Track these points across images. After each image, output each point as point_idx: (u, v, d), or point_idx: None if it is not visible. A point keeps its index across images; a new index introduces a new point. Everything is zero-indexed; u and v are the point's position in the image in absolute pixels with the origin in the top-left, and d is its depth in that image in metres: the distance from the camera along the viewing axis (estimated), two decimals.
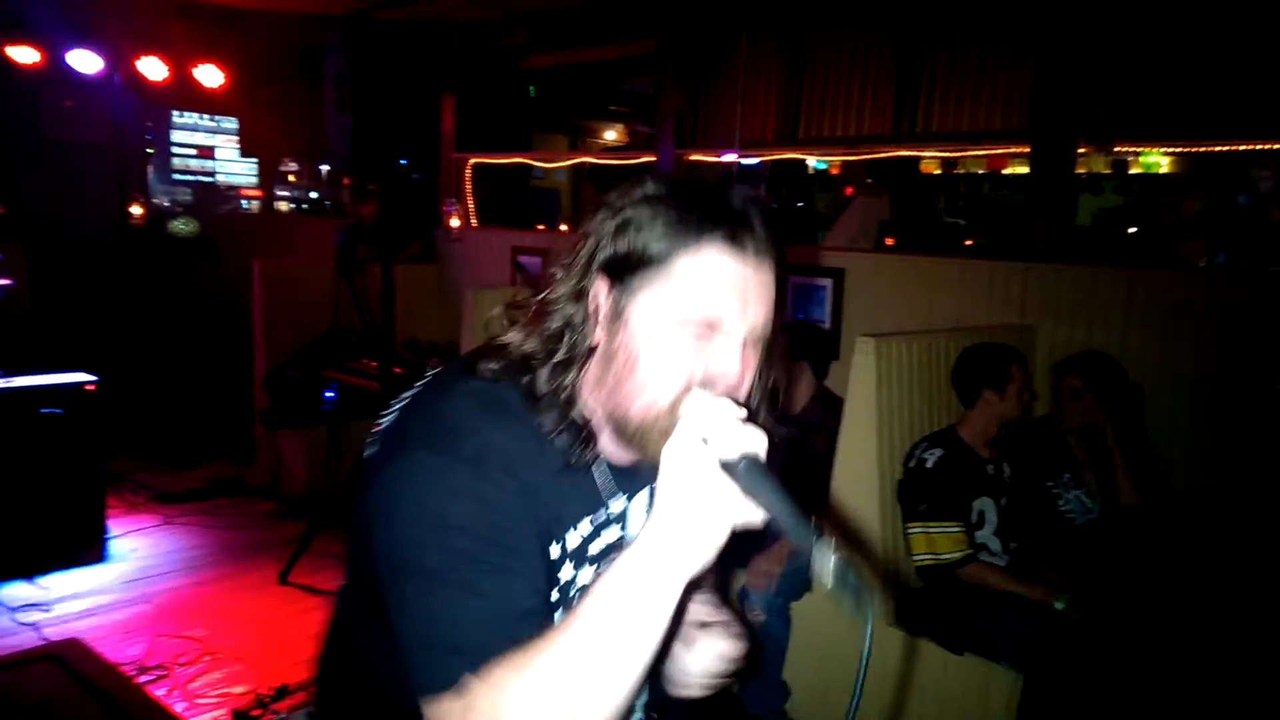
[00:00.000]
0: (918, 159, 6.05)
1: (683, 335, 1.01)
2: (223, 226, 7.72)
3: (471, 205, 5.90)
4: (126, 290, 6.27)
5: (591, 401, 1.08)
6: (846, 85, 4.70)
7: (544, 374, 1.05)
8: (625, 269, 1.04)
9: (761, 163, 7.12)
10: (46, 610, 3.67)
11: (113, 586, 3.98)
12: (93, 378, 4.38)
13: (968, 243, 6.95)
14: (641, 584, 0.87)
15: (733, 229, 1.03)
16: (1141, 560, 2.94)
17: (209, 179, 9.34)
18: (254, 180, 9.40)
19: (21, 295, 5.15)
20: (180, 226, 7.41)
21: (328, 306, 5.00)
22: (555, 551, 1.06)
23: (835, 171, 7.79)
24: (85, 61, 5.87)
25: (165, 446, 5.71)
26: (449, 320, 5.69)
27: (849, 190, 6.70)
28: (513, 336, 1.09)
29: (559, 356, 1.06)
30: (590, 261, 1.07)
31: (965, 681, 2.71)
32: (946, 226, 7.16)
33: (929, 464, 2.82)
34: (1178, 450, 3.33)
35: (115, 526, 4.50)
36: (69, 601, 3.79)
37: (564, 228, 7.77)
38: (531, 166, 7.02)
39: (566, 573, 1.08)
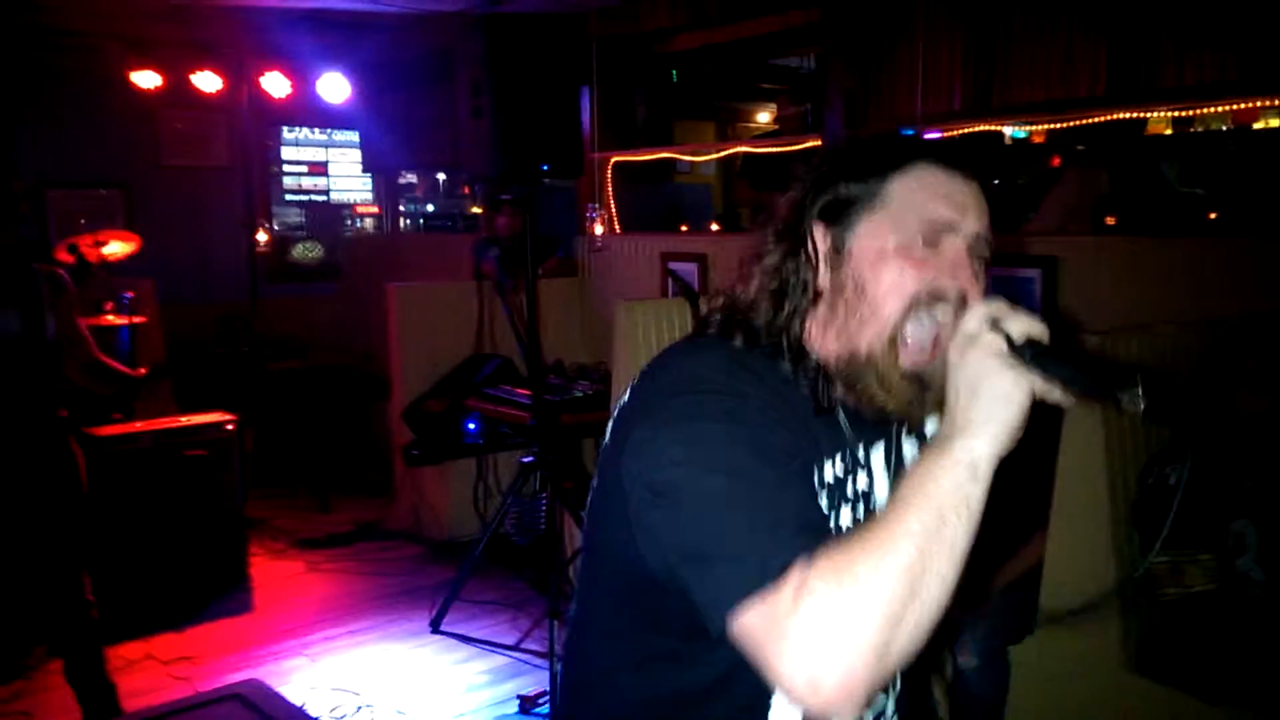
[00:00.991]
0: (1141, 120, 5.91)
1: (908, 252, 1.18)
2: (346, 249, 8.31)
3: (614, 209, 6.16)
4: (255, 322, 6.85)
5: (822, 347, 1.24)
6: (1049, 39, 4.66)
7: (774, 327, 1.23)
8: (839, 208, 1.23)
9: (947, 137, 7.07)
10: (198, 663, 4.10)
11: (263, 637, 4.39)
12: (231, 417, 4.85)
13: (1211, 217, 6.68)
14: (950, 472, 1.00)
15: (937, 151, 1.23)
16: None
17: (323, 197, 9.97)
18: (371, 196, 10.00)
19: (154, 331, 5.74)
20: (304, 252, 8.04)
21: (466, 331, 5.36)
22: (814, 481, 1.20)
23: (1039, 140, 7.64)
24: (207, 82, 6.51)
25: (303, 488, 6.21)
26: (595, 339, 5.96)
27: (1055, 161, 6.58)
28: (736, 298, 1.28)
29: (786, 308, 1.23)
30: (800, 214, 1.25)
31: None
32: (1182, 198, 6.92)
33: (1171, 480, 2.81)
34: None
35: (260, 575, 4.95)
36: (220, 653, 4.22)
37: (716, 227, 7.95)
38: (676, 161, 7.24)
39: (823, 505, 1.22)
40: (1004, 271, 4.30)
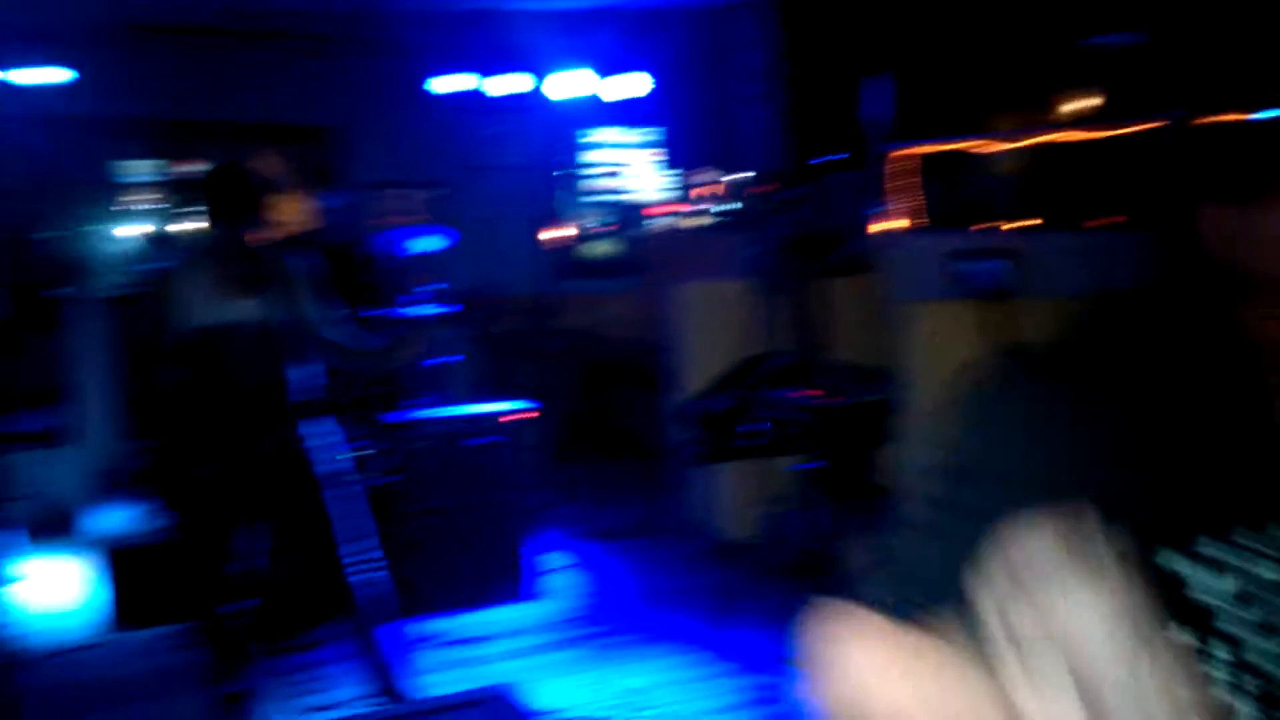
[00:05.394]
0: None
1: None
2: (644, 246, 8.41)
3: (913, 204, 5.81)
4: (548, 317, 7.04)
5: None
6: None
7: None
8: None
9: None
10: (478, 648, 4.22)
11: (542, 627, 4.46)
12: (526, 406, 4.95)
13: None
14: None
15: None
16: None
17: (625, 196, 10.14)
18: (672, 195, 10.07)
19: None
20: (599, 248, 8.21)
21: (755, 329, 5.21)
22: None
23: None
24: (507, 85, 6.74)
25: (588, 480, 6.30)
26: (882, 339, 5.62)
27: None
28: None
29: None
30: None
31: None
32: None
33: None
34: None
35: (546, 563, 5.03)
36: (501, 640, 4.32)
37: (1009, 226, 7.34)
38: (988, 155, 6.75)
39: None
40: None
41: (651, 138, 8.79)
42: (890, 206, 5.59)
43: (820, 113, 4.15)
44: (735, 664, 4.02)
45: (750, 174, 7.29)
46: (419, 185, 7.67)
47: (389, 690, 3.59)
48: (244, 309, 3.32)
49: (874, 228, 5.73)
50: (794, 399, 4.80)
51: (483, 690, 2.08)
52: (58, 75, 5.92)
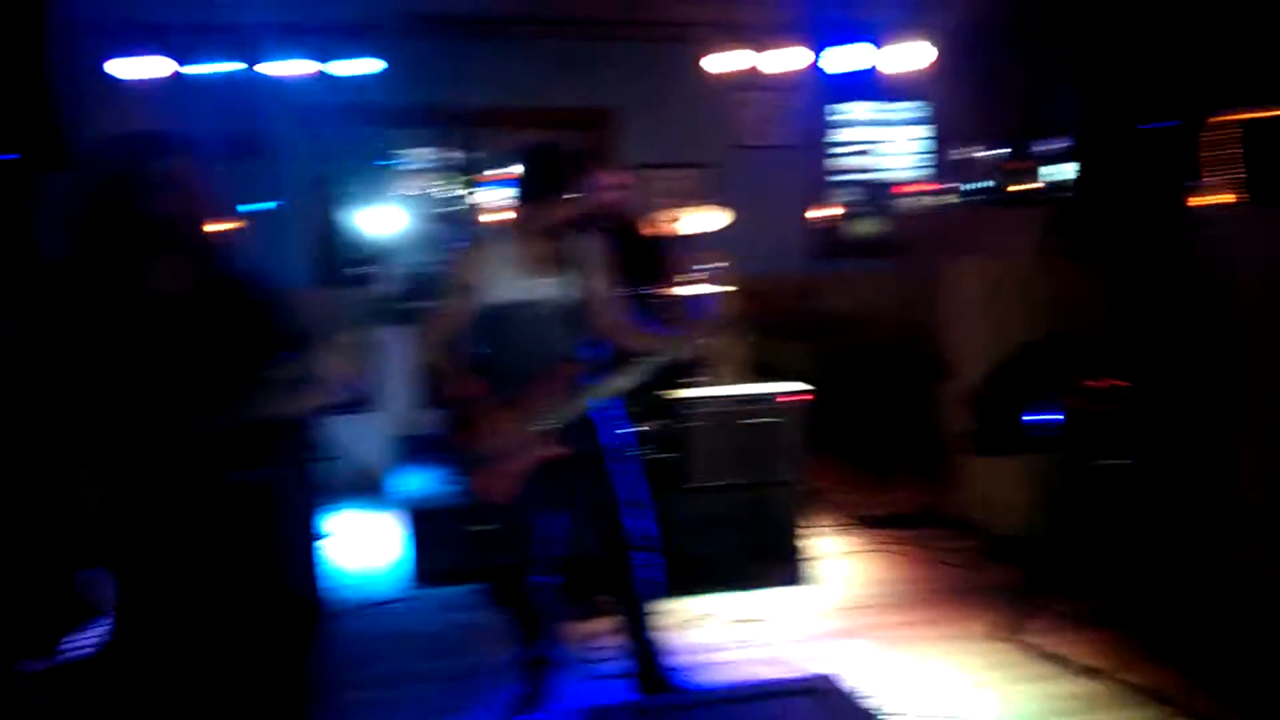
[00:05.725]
0: None
1: None
2: (904, 224, 8.13)
3: (1232, 175, 5.26)
4: (815, 297, 6.91)
5: None
6: None
7: None
8: None
9: None
10: (769, 629, 4.20)
11: (829, 612, 4.39)
12: (807, 388, 4.86)
13: None
14: None
15: None
16: None
17: (877, 174, 9.84)
18: (932, 172, 9.69)
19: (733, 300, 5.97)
20: (865, 226, 7.99)
21: (1044, 310, 4.92)
22: None
23: None
24: (779, 61, 6.62)
25: (852, 464, 6.16)
26: (1201, 323, 5.14)
27: None
28: None
29: None
30: None
31: None
32: None
33: None
34: None
35: (819, 548, 4.94)
36: (789, 622, 4.29)
37: None
38: None
39: None
40: None
41: (925, 111, 8.44)
42: (1207, 179, 5.08)
43: (1124, 80, 3.81)
44: (1040, 670, 3.80)
45: (1032, 147, 6.90)
46: (692, 165, 7.69)
47: (667, 667, 3.60)
48: (543, 287, 3.39)
49: (1191, 201, 5.25)
50: (1095, 388, 4.45)
51: (811, 677, 2.03)
52: (366, 67, 6.27)
